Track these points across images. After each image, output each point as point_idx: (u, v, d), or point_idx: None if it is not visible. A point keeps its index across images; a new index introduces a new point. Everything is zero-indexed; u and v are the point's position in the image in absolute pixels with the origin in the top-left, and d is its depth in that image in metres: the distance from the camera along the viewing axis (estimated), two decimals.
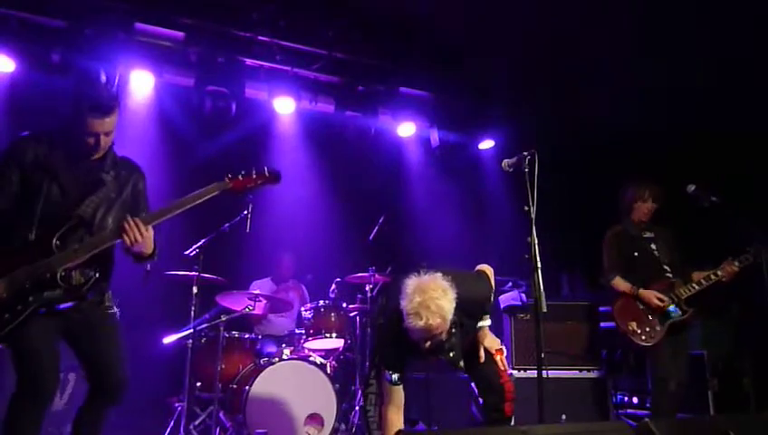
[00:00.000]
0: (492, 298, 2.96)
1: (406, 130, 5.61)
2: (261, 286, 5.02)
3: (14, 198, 2.39)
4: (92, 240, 2.39)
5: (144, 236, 2.39)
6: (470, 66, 5.30)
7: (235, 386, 4.06)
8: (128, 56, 4.41)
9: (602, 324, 4.57)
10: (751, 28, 4.36)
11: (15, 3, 4.15)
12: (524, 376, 4.32)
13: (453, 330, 2.63)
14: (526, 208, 2.77)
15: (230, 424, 4.06)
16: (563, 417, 4.21)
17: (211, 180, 2.58)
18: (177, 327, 4.18)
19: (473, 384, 3.08)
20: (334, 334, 4.35)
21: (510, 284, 4.92)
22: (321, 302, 4.47)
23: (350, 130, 5.45)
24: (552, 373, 4.30)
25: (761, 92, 4.69)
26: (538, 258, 2.73)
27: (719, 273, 3.73)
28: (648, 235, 3.98)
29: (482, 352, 2.95)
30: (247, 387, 3.81)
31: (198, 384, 4.11)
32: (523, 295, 4.63)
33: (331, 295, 4.69)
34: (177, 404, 4.11)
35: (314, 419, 3.92)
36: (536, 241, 2.73)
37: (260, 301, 4.37)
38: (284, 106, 5.13)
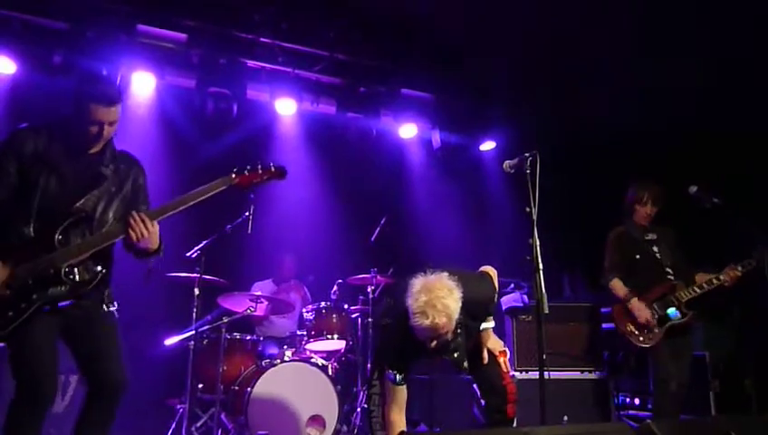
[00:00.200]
0: (495, 300, 2.96)
1: (407, 131, 5.62)
2: (262, 288, 5.02)
3: (11, 190, 2.33)
4: (97, 236, 2.35)
5: (150, 232, 2.34)
6: (470, 66, 5.31)
7: (236, 388, 4.06)
8: (130, 58, 4.42)
9: (604, 326, 4.56)
10: (751, 28, 4.36)
11: (17, 4, 4.15)
12: (526, 377, 4.31)
13: (458, 330, 2.63)
14: (528, 210, 2.77)
15: (232, 426, 4.06)
16: (565, 418, 4.21)
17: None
18: (179, 329, 4.19)
19: (475, 386, 3.08)
20: (336, 336, 4.35)
21: (512, 285, 4.91)
22: (323, 303, 4.47)
23: (352, 131, 5.46)
24: (554, 375, 4.29)
25: (761, 92, 4.68)
26: (540, 259, 2.73)
27: (722, 277, 3.71)
28: (650, 236, 3.96)
29: (485, 354, 2.95)
30: (249, 389, 3.81)
31: (200, 386, 4.10)
32: (525, 297, 4.63)
33: (333, 297, 4.69)
34: (178, 406, 4.11)
35: (316, 420, 3.92)
36: (538, 242, 2.74)
37: (261, 302, 4.37)
38: (286, 107, 5.13)
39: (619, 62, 4.92)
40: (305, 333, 4.40)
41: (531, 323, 4.50)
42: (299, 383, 3.95)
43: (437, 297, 2.48)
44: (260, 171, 2.59)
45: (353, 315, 4.71)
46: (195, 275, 4.02)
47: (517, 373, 4.35)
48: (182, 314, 4.18)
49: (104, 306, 2.46)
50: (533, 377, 4.22)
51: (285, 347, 4.31)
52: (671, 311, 3.75)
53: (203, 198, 2.47)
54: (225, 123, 4.91)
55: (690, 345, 3.89)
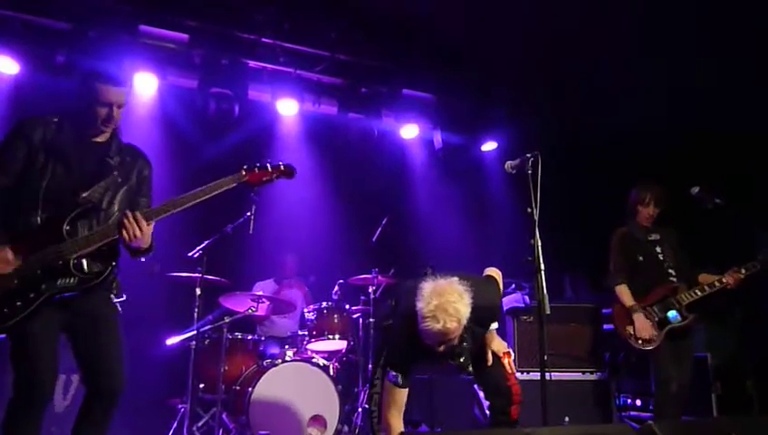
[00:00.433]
0: (500, 305, 2.95)
1: (409, 131, 5.62)
2: (264, 288, 5.03)
3: (19, 177, 2.33)
4: (96, 233, 2.35)
5: (143, 232, 2.34)
6: (471, 67, 5.31)
7: (238, 388, 4.06)
8: (132, 58, 4.42)
9: (605, 327, 4.56)
10: (751, 28, 4.36)
11: (19, 4, 4.16)
12: (528, 378, 4.31)
13: (464, 335, 2.62)
14: (529, 210, 2.77)
15: (233, 426, 4.06)
16: (566, 419, 4.21)
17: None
18: (181, 329, 4.19)
19: (476, 386, 3.07)
20: (337, 336, 4.36)
21: (513, 286, 4.91)
22: (324, 303, 4.48)
23: (354, 131, 5.46)
24: (555, 376, 4.29)
25: (761, 92, 4.68)
26: (541, 260, 2.72)
27: (724, 280, 3.70)
28: (653, 237, 3.95)
29: (489, 355, 2.95)
30: (250, 389, 3.81)
31: (201, 386, 4.10)
32: (527, 298, 4.63)
33: (334, 297, 4.70)
34: (180, 406, 4.11)
35: (317, 420, 3.92)
36: (539, 243, 2.73)
37: (263, 302, 4.38)
38: (288, 108, 5.14)
39: (619, 62, 4.93)
40: (306, 333, 4.41)
41: (532, 324, 4.49)
42: (300, 383, 3.95)
43: (449, 302, 2.47)
44: (270, 169, 2.61)
45: (354, 315, 4.71)
46: (196, 274, 4.02)
47: (518, 374, 4.35)
48: (184, 313, 4.18)
49: (112, 295, 2.46)
50: (535, 378, 4.20)
51: (287, 347, 4.31)
52: (671, 313, 3.74)
53: (212, 194, 2.47)
54: (226, 124, 4.92)
55: (691, 347, 3.88)
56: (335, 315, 4.41)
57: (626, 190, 4.08)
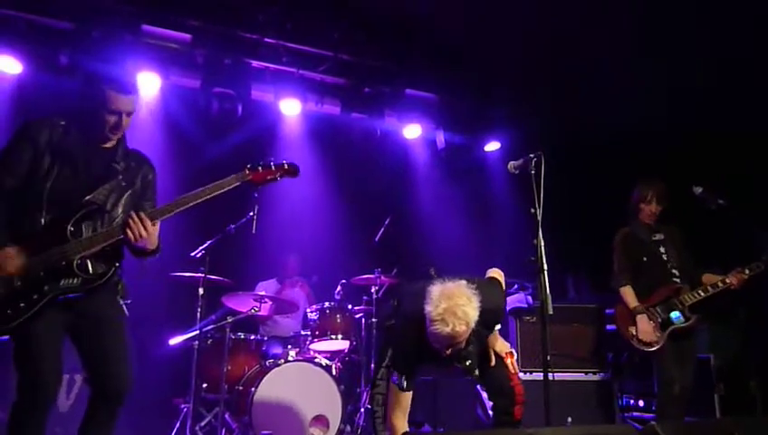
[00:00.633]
0: (504, 307, 2.95)
1: (411, 131, 5.63)
2: (266, 287, 5.03)
3: (25, 179, 2.33)
4: (101, 233, 2.35)
5: (149, 232, 2.34)
6: (471, 67, 5.32)
7: (240, 387, 4.06)
8: (135, 58, 4.43)
9: (608, 327, 4.55)
10: (751, 28, 4.37)
11: (22, 4, 4.17)
12: (530, 379, 4.31)
13: (471, 338, 2.62)
14: (532, 211, 2.77)
15: (236, 425, 4.05)
16: (569, 420, 4.20)
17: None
18: (184, 328, 4.19)
19: (479, 386, 3.07)
20: (340, 336, 4.36)
21: (516, 286, 4.91)
22: (327, 303, 4.47)
23: (356, 131, 5.46)
24: (558, 376, 4.28)
25: (761, 92, 4.69)
26: (544, 260, 2.72)
27: (728, 280, 3.69)
28: (657, 237, 3.93)
29: (492, 356, 2.94)
30: (253, 388, 3.81)
31: (204, 386, 4.10)
32: (530, 298, 4.62)
33: (337, 297, 4.69)
34: (182, 405, 4.11)
35: (320, 420, 3.92)
36: (542, 243, 2.73)
37: (265, 302, 4.38)
38: (290, 108, 5.15)
39: (619, 62, 4.93)
40: (309, 333, 4.41)
41: (535, 325, 4.49)
42: (303, 383, 3.95)
43: (458, 305, 2.46)
44: (273, 168, 2.61)
45: (357, 316, 4.71)
46: (199, 274, 4.02)
47: (521, 374, 4.35)
48: (186, 313, 4.19)
49: (118, 297, 2.46)
50: (538, 378, 4.22)
51: (289, 347, 4.32)
52: (674, 314, 3.73)
53: (216, 193, 2.47)
54: (229, 123, 4.92)
55: (695, 348, 3.87)
56: (338, 315, 4.41)
57: (626, 190, 4.08)
